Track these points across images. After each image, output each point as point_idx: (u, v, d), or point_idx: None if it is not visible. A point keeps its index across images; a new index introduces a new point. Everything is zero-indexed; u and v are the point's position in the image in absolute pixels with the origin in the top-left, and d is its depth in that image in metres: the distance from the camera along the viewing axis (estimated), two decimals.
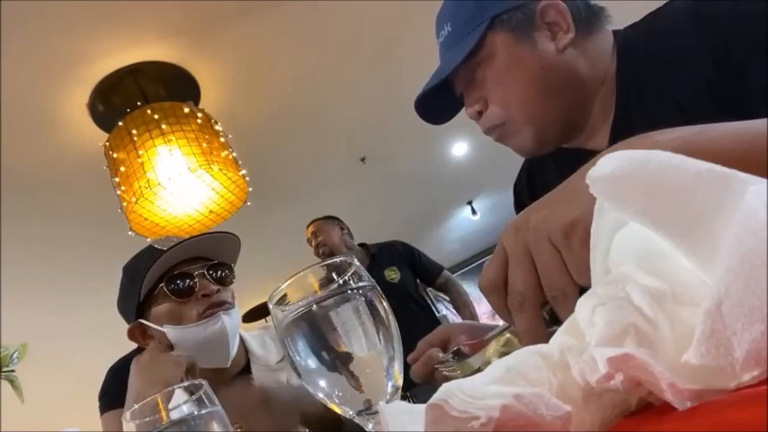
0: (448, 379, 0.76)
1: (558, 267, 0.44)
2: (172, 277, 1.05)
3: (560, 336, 0.30)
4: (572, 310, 0.44)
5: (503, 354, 0.68)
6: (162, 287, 1.04)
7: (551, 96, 0.80)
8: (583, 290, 0.44)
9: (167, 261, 1.05)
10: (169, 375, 0.95)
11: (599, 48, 0.82)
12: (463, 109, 0.90)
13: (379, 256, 2.81)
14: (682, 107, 0.71)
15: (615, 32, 0.85)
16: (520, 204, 1.04)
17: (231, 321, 1.05)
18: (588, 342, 0.25)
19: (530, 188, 1.01)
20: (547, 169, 0.96)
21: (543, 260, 0.45)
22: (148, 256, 1.08)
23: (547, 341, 0.47)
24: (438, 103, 0.91)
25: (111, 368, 1.17)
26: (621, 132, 0.74)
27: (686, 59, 0.71)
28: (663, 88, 0.74)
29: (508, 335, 0.62)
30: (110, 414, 1.11)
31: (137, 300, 1.06)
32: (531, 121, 0.81)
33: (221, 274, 1.10)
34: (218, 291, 1.07)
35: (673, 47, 0.73)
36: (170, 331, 1.03)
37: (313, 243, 2.84)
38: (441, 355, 0.76)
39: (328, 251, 2.76)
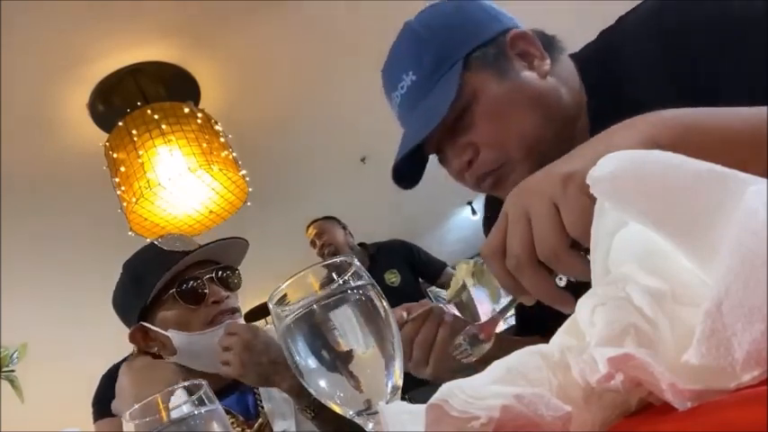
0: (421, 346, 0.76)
1: (551, 227, 0.44)
2: (182, 282, 1.03)
3: (560, 336, 0.30)
4: (571, 269, 0.45)
5: (474, 274, 0.69)
6: (173, 293, 1.02)
7: (547, 124, 0.74)
8: (580, 246, 0.44)
9: (181, 264, 1.03)
10: (168, 378, 0.94)
11: (568, 73, 0.77)
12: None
13: (378, 258, 2.79)
14: None
15: (572, 57, 0.80)
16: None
17: None
18: (588, 342, 0.25)
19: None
20: None
21: (537, 221, 0.45)
22: (156, 257, 1.06)
23: (557, 297, 0.47)
24: (405, 167, 0.80)
25: (105, 375, 1.16)
26: None
27: (654, 79, 0.67)
28: (633, 110, 0.71)
29: (478, 260, 0.64)
30: (103, 422, 1.10)
31: (142, 303, 1.03)
32: (530, 156, 0.74)
33: (230, 278, 1.08)
34: (228, 297, 1.06)
35: (638, 66, 0.69)
36: (175, 337, 1.01)
37: (318, 243, 2.80)
38: (404, 316, 0.78)
39: (334, 251, 2.72)
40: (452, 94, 0.72)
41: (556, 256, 0.44)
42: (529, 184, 0.48)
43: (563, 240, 0.44)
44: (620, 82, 0.71)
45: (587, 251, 0.43)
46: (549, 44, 0.78)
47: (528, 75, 0.75)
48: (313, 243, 2.84)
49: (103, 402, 1.09)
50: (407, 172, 0.83)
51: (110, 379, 1.13)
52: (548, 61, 0.76)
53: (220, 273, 1.06)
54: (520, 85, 0.74)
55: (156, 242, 1.09)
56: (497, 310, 0.62)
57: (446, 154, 0.79)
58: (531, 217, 0.46)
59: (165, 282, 1.03)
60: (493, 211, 0.98)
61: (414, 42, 0.78)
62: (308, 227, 2.90)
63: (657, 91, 0.66)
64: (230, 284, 1.08)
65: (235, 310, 1.06)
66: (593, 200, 0.35)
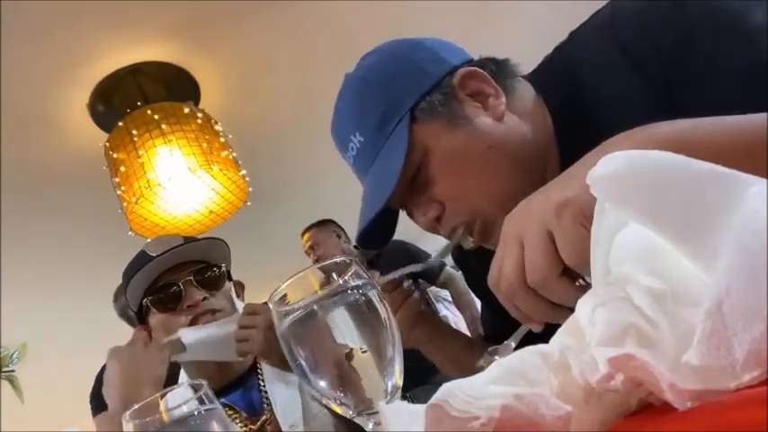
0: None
1: (541, 255, 0.44)
2: (156, 289, 1.02)
3: (561, 336, 0.30)
4: (559, 297, 0.45)
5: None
6: (146, 302, 1.02)
7: (513, 172, 0.68)
8: (573, 272, 0.44)
9: (154, 270, 1.01)
10: (155, 374, 0.94)
11: (527, 102, 0.71)
12: None
13: (376, 262, 2.75)
14: None
15: (530, 78, 0.75)
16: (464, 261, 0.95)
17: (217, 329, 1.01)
18: (589, 342, 0.25)
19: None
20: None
21: (529, 248, 0.46)
22: (136, 264, 1.05)
23: (554, 316, 0.47)
24: (371, 226, 0.73)
25: (101, 371, 1.17)
26: None
27: (618, 82, 0.64)
28: (603, 128, 0.67)
29: None
30: (103, 416, 1.11)
31: (134, 310, 1.06)
32: (505, 207, 0.66)
33: (210, 277, 1.05)
34: (206, 299, 1.03)
35: (599, 72, 0.66)
36: (185, 334, 1.00)
37: (312, 256, 2.75)
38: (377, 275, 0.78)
39: None
40: (402, 155, 0.66)
41: (544, 283, 0.45)
42: (525, 209, 0.49)
43: (553, 269, 0.44)
44: (582, 91, 0.68)
45: (583, 277, 0.44)
46: (501, 73, 0.72)
47: (483, 120, 0.68)
48: (308, 253, 2.79)
49: (101, 397, 1.09)
50: (377, 231, 0.76)
51: None
52: (503, 99, 0.69)
53: (198, 272, 1.04)
54: (474, 134, 0.68)
55: (145, 248, 1.08)
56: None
57: (411, 210, 0.75)
58: (525, 243, 0.46)
59: (146, 288, 1.03)
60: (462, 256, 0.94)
61: (355, 99, 0.74)
62: (304, 234, 2.84)
63: (623, 95, 0.63)
64: (210, 283, 1.05)
65: (215, 311, 1.04)
66: (587, 228, 0.35)
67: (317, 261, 2.72)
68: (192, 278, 1.03)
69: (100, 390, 1.13)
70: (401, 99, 0.69)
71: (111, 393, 0.95)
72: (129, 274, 1.04)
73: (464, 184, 0.68)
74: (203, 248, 1.07)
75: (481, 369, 0.66)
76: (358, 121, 0.72)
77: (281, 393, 1.06)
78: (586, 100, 0.67)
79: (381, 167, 0.70)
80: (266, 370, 1.10)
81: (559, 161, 0.71)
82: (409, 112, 0.68)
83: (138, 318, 1.07)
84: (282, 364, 0.97)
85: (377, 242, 0.78)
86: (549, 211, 0.44)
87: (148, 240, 1.12)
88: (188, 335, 1.01)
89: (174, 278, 1.03)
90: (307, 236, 2.83)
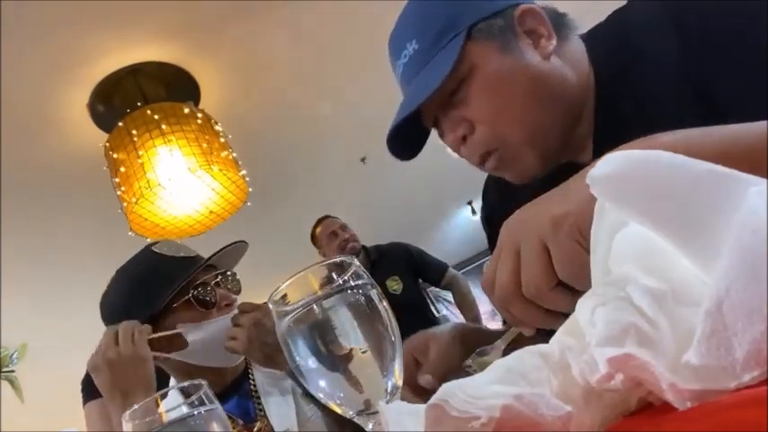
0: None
1: (537, 267, 0.45)
2: (194, 288, 1.05)
3: (561, 336, 0.30)
4: (554, 306, 0.46)
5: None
6: (189, 298, 1.04)
7: (548, 109, 0.71)
8: (568, 286, 0.45)
9: (189, 271, 1.05)
10: (143, 376, 0.95)
11: (577, 54, 0.75)
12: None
13: (380, 264, 2.73)
14: (664, 110, 0.67)
15: (583, 39, 0.78)
16: (488, 210, 0.99)
17: None
18: (588, 342, 0.25)
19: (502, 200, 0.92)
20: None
21: (525, 256, 0.46)
22: (165, 265, 1.07)
23: (548, 322, 0.48)
24: (402, 136, 0.78)
25: None
26: (605, 144, 0.58)
27: (666, 51, 0.66)
28: (643, 93, 0.69)
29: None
30: (93, 403, 1.11)
31: (152, 310, 1.04)
32: (531, 140, 0.72)
33: (233, 282, 1.12)
34: (235, 300, 1.10)
35: (649, 39, 0.68)
36: (188, 329, 1.02)
37: (341, 235, 2.70)
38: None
39: (359, 247, 2.68)
40: (450, 65, 0.69)
41: (539, 294, 0.46)
42: (523, 218, 0.49)
43: (547, 281, 0.45)
44: (630, 56, 0.70)
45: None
46: (559, 23, 0.76)
47: (531, 55, 0.72)
48: (333, 234, 2.72)
49: (92, 384, 1.09)
50: (407, 143, 0.81)
51: None
52: (553, 41, 0.73)
53: (221, 275, 1.10)
54: (521, 64, 0.71)
55: (156, 249, 1.10)
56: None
57: (442, 127, 0.77)
58: (521, 254, 0.47)
59: (176, 290, 1.04)
60: (490, 210, 0.99)
61: (420, 11, 0.77)
62: (321, 222, 2.79)
63: (669, 63, 0.65)
64: (234, 288, 1.11)
65: None
66: (583, 245, 0.35)
67: (347, 240, 2.68)
68: (219, 280, 1.09)
69: (91, 377, 1.13)
70: (463, 16, 0.72)
71: (108, 400, 0.96)
72: (159, 275, 1.06)
73: (498, 107, 0.71)
74: (223, 254, 1.11)
75: (469, 368, 0.66)
76: (417, 29, 0.75)
77: (275, 399, 1.07)
78: (632, 63, 0.70)
79: (427, 75, 0.72)
80: (258, 376, 1.11)
81: (594, 123, 0.74)
82: (467, 29, 0.72)
83: (152, 316, 1.06)
84: (265, 362, 0.98)
85: (405, 151, 0.81)
86: (546, 224, 0.45)
87: (148, 242, 1.12)
88: (188, 328, 1.03)
89: (205, 279, 1.07)
90: (326, 223, 2.78)
